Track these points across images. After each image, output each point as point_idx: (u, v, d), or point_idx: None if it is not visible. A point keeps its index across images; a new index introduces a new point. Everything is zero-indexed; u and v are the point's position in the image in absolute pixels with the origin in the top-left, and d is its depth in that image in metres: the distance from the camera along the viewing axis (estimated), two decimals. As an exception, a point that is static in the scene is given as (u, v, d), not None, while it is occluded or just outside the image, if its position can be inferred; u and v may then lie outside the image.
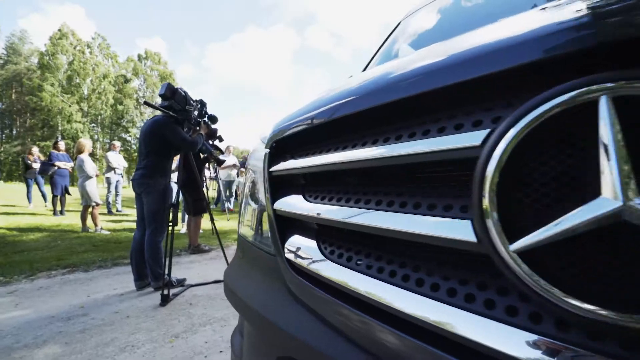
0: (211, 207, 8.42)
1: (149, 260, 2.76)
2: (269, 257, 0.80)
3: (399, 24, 2.21)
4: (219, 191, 9.67)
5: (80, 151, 5.78)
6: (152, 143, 2.76)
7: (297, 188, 0.76)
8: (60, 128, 31.47)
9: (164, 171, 2.82)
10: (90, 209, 5.61)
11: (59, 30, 32.09)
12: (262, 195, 0.93)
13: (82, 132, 31.97)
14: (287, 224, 0.76)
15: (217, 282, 3.10)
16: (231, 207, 9.08)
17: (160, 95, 2.75)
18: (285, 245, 0.72)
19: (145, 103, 2.56)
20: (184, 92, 2.88)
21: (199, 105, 3.07)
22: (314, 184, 0.74)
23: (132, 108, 33.86)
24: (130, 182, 2.87)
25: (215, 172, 7.07)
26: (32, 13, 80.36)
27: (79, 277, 3.28)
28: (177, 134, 2.77)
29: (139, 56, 35.63)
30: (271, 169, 0.82)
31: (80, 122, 31.93)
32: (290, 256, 0.69)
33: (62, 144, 7.25)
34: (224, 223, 6.83)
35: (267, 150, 0.88)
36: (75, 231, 5.59)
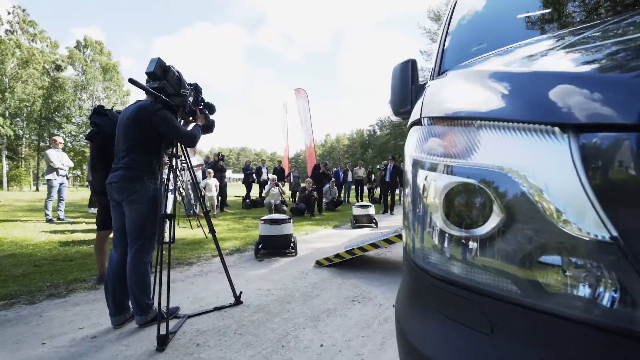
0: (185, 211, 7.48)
1: (132, 288, 2.09)
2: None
3: (455, 4, 1.97)
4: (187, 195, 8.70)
5: None
6: (138, 135, 2.10)
7: None
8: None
9: (152, 172, 2.16)
10: None
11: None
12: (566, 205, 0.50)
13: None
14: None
15: (219, 310, 2.49)
16: (197, 211, 8.17)
17: (148, 74, 2.11)
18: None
19: (131, 81, 1.91)
20: (177, 72, 2.25)
21: (193, 90, 2.45)
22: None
23: (70, 101, 30.02)
24: (107, 186, 2.16)
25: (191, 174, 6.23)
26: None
27: (23, 314, 2.45)
28: (172, 125, 2.14)
29: (78, 43, 31.75)
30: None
31: (-4, 115, 27.48)
32: None
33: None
34: (193, 231, 6.02)
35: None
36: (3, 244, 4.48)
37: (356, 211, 7.22)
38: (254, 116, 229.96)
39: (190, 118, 2.49)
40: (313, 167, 10.67)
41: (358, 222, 7.15)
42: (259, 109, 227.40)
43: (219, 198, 9.40)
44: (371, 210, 7.23)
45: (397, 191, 10.30)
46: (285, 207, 8.69)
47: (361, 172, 14.11)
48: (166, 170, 2.42)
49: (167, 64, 2.17)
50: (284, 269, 3.70)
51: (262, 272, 3.61)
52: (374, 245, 3.44)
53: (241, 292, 2.69)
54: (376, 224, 7.17)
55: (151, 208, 2.11)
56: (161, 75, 2.12)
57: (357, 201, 13.95)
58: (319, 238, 5.89)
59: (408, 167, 0.82)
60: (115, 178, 2.08)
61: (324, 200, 10.53)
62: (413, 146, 0.81)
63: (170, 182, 2.37)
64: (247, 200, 11.16)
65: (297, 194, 13.87)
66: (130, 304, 2.21)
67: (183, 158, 2.47)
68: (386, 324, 2.24)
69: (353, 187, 14.13)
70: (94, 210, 8.03)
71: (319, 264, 3.77)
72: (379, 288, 2.99)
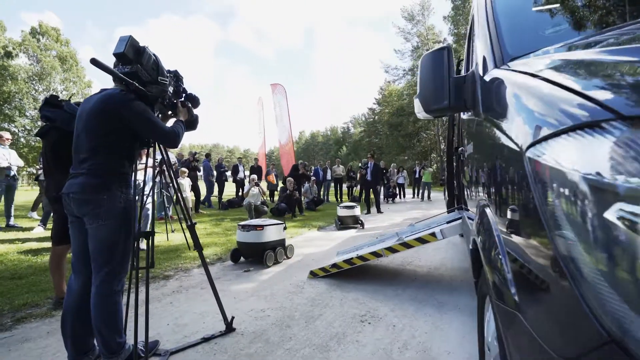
0: (158, 215, 6.85)
1: (99, 326, 1.65)
2: None
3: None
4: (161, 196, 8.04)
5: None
6: (104, 132, 1.66)
7: None
8: None
9: (123, 178, 1.72)
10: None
11: None
12: None
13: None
14: None
15: (208, 341, 2.09)
16: (170, 213, 7.55)
17: (117, 56, 1.68)
18: None
19: (94, 62, 1.47)
20: (154, 55, 1.82)
21: (173, 79, 2.01)
22: None
23: (23, 92, 27.35)
24: (64, 197, 1.69)
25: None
26: None
27: (-46, 356, 1.93)
28: (148, 120, 1.72)
29: (32, 29, 28.97)
30: None
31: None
32: None
33: None
34: (168, 237, 5.48)
35: None
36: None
37: (341, 212, 6.94)
38: (226, 112, 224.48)
39: (170, 112, 2.06)
40: (292, 167, 10.29)
41: (343, 223, 6.87)
42: (231, 105, 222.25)
43: (193, 199, 8.79)
44: (357, 211, 6.98)
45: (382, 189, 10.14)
46: (266, 208, 8.25)
47: (340, 170, 13.88)
48: (141, 177, 1.99)
49: (141, 44, 1.74)
50: (274, 282, 3.33)
51: (251, 286, 3.22)
52: (376, 254, 3.16)
53: (233, 318, 2.30)
54: (362, 225, 6.93)
55: (122, 224, 1.68)
56: (134, 58, 1.69)
57: (337, 200, 13.73)
58: (305, 242, 5.54)
59: (569, 192, 0.51)
60: (75, 187, 1.63)
61: (304, 199, 10.19)
62: (588, 165, 0.49)
63: (147, 191, 1.94)
64: (225, 201, 10.58)
65: (275, 194, 13.44)
66: (95, 342, 1.76)
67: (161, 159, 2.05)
68: (407, 352, 1.95)
69: (332, 185, 13.89)
70: (36, 216, 7.17)
71: (313, 274, 3.43)
72: (385, 303, 2.70)
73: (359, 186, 13.01)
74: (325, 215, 8.99)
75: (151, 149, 1.95)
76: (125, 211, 1.68)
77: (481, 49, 1.45)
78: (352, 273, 3.45)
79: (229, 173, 12.37)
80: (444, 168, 14.01)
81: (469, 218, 2.62)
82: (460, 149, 4.36)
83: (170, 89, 1.91)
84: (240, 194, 11.61)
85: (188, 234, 4.18)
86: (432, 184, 14.24)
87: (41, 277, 3.30)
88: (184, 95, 2.08)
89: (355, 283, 3.22)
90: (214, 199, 11.53)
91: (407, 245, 3.03)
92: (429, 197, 13.85)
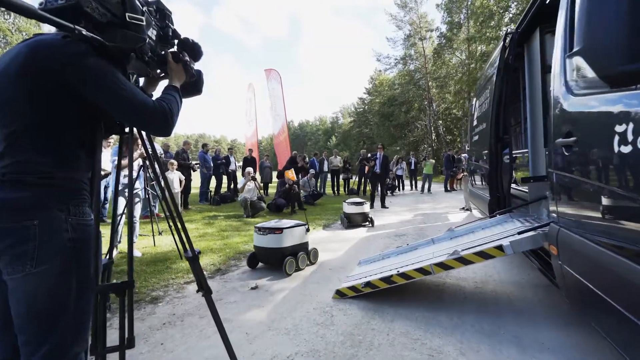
0: (142, 213, 6.03)
1: None
2: None
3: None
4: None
5: None
6: (34, 108, 0.92)
7: None
8: None
9: (73, 189, 0.99)
10: None
11: None
12: None
13: None
14: None
15: None
16: (156, 211, 6.70)
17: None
18: None
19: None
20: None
21: (156, 16, 1.23)
22: None
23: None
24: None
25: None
26: None
27: None
28: (116, 88, 0.98)
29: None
30: None
31: None
32: None
33: None
34: (155, 241, 4.71)
35: None
36: None
37: (349, 209, 6.29)
38: (212, 101, 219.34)
39: (160, 72, 1.31)
40: (289, 159, 9.55)
41: (351, 221, 6.23)
42: (217, 94, 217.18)
43: (183, 195, 7.98)
44: (366, 208, 6.34)
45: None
46: (263, 204, 7.54)
47: (337, 161, 13.22)
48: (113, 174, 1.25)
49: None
50: (293, 305, 2.66)
51: (265, 313, 2.54)
52: (423, 272, 2.52)
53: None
54: (372, 223, 6.31)
55: (69, 270, 0.95)
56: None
57: (334, 193, 13.09)
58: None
59: None
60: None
61: (302, 193, 9.50)
62: None
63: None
64: (216, 196, 9.77)
65: (270, 187, 12.70)
66: None
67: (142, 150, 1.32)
68: None
69: (329, 177, 13.22)
70: None
71: (340, 294, 2.78)
72: (446, 339, 2.08)
73: (362, 179, 12.40)
74: (326, 211, 8.34)
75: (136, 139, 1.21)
76: (75, 247, 0.96)
77: None
78: (381, 289, 2.81)
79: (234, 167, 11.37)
80: (449, 158, 13.52)
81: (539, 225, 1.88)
82: (505, 136, 3.78)
83: (152, 31, 1.15)
84: (232, 187, 10.82)
85: (178, 238, 3.45)
86: (432, 175, 13.69)
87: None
88: (175, 41, 1.30)
89: (394, 306, 2.59)
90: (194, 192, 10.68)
91: (464, 261, 2.40)
92: (429, 189, 13.35)
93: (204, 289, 1.35)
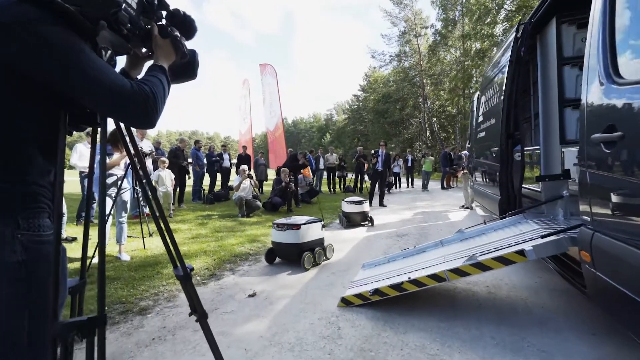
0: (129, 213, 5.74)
1: None
2: None
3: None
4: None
5: None
6: None
7: None
8: None
9: (24, 198, 0.76)
10: None
11: None
12: None
13: None
14: None
15: None
16: (146, 210, 6.40)
17: None
18: None
19: None
20: None
21: None
22: None
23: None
24: None
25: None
26: None
27: None
28: (81, 67, 0.75)
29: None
30: None
31: None
32: None
33: None
34: (145, 243, 4.46)
35: None
36: None
37: (348, 208, 6.09)
38: (204, 98, 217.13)
39: (147, 51, 1.08)
40: (289, 156, 9.29)
41: (350, 221, 6.03)
42: (210, 90, 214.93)
43: (176, 192, 7.70)
44: (366, 207, 6.15)
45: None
46: (258, 203, 7.30)
47: (333, 158, 13.00)
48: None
49: None
50: (295, 315, 2.45)
51: (265, 324, 2.33)
52: (436, 278, 2.33)
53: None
54: (372, 222, 6.12)
55: (17, 300, 0.72)
56: None
57: (330, 190, 12.88)
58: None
59: None
60: None
61: (300, 191, 9.29)
62: None
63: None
64: (210, 194, 9.49)
65: (265, 185, 12.43)
66: None
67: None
68: None
69: (324, 174, 13.00)
70: None
71: (346, 302, 2.58)
72: (466, 354, 1.89)
73: (359, 176, 12.21)
74: (323, 209, 8.12)
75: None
76: (27, 271, 0.73)
77: None
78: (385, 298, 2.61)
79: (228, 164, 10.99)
80: (446, 156, 13.38)
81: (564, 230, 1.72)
82: (517, 133, 3.60)
83: (132, 0, 0.90)
84: (227, 184, 10.54)
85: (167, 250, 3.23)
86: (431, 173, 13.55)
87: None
88: (163, 13, 1.05)
89: (404, 315, 2.40)
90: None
91: (482, 267, 2.22)
92: (426, 186, 13.23)
93: (198, 313, 1.13)
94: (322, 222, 3.88)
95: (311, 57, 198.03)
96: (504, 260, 2.17)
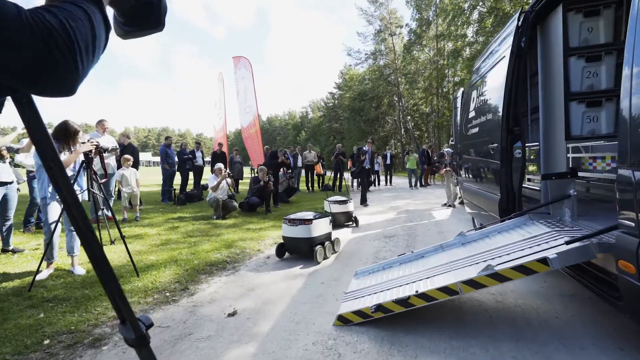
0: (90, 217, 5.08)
1: None
2: None
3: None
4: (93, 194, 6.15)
5: None
6: None
7: None
8: None
9: None
10: None
11: None
12: None
13: None
14: None
15: None
16: (109, 213, 5.65)
17: None
18: None
19: None
20: None
21: None
22: None
23: None
24: None
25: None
26: None
27: None
28: None
29: None
30: None
31: None
32: None
33: None
34: (107, 251, 3.90)
35: None
36: None
37: (331, 208, 5.77)
38: (175, 94, 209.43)
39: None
40: (269, 153, 8.83)
41: (335, 221, 5.71)
42: (180, 86, 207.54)
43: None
44: (350, 207, 5.86)
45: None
46: (235, 203, 6.81)
47: (312, 156, 12.65)
48: None
49: None
50: (285, 340, 2.08)
51: (249, 353, 1.94)
52: (448, 291, 2.04)
53: None
54: (357, 223, 5.84)
55: None
56: None
57: (308, 189, 12.52)
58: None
59: None
60: None
61: (280, 188, 8.87)
62: None
63: None
64: (181, 194, 8.84)
65: (240, 183, 11.87)
66: None
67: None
68: None
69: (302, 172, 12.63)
70: None
71: (343, 321, 2.24)
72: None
73: (330, 173, 11.93)
74: (302, 209, 7.76)
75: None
76: None
77: None
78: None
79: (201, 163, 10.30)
80: (423, 153, 13.36)
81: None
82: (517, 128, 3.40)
83: None
84: (200, 184, 9.91)
85: (132, 247, 2.77)
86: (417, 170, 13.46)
87: None
88: None
89: (410, 333, 2.10)
90: (151, 190, 9.69)
91: (501, 278, 1.95)
92: (415, 184, 13.12)
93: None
94: (331, 217, 4.09)
95: (286, 53, 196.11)
96: (524, 270, 1.91)
